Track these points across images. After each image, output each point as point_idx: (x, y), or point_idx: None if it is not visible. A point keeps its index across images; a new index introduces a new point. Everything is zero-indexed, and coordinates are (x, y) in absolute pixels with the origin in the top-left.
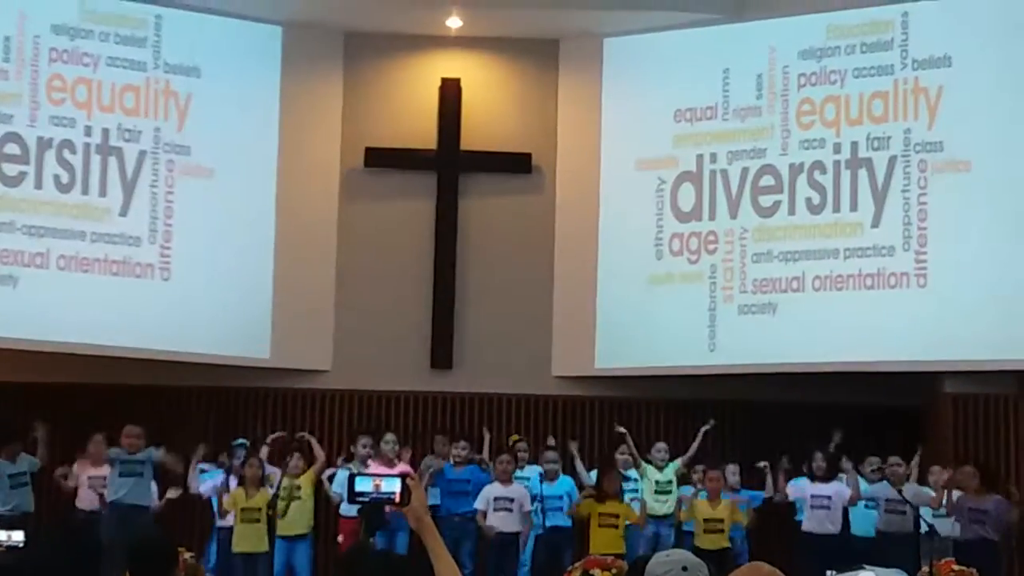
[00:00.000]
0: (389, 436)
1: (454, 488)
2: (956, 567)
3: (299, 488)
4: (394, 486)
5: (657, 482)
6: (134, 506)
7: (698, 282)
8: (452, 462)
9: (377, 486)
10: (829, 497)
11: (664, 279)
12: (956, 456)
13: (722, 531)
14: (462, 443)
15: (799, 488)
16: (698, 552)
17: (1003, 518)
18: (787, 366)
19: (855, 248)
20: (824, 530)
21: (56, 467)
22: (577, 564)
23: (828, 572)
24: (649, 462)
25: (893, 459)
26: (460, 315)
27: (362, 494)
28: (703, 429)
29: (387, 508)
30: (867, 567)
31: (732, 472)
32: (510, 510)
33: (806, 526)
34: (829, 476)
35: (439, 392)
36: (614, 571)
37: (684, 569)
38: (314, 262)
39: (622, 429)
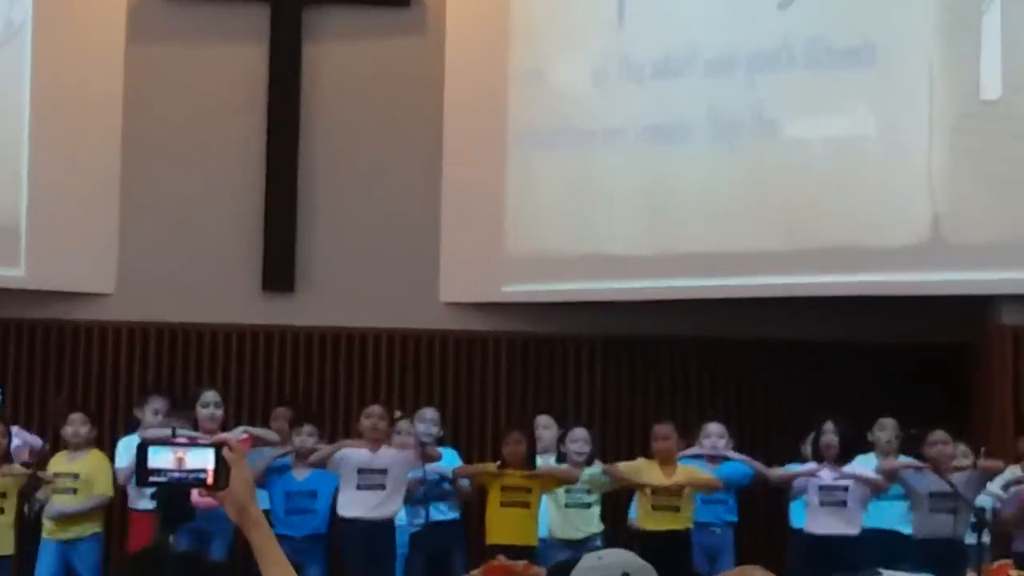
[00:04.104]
0: (209, 395)
1: (296, 504)
2: (1014, 573)
3: (76, 477)
4: (205, 461)
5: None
6: None
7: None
8: (292, 456)
9: (180, 461)
10: (845, 489)
11: (603, 164)
12: (1017, 412)
13: (677, 509)
14: (307, 427)
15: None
16: (644, 536)
17: None
18: (768, 288)
19: None
20: (834, 531)
21: None
22: (476, 572)
23: None
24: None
25: (937, 434)
26: (305, 217)
27: (157, 472)
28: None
29: (195, 493)
30: (884, 572)
31: (715, 434)
32: (382, 486)
33: (810, 527)
34: (844, 457)
35: (274, 325)
36: None
37: None
38: (89, 144)
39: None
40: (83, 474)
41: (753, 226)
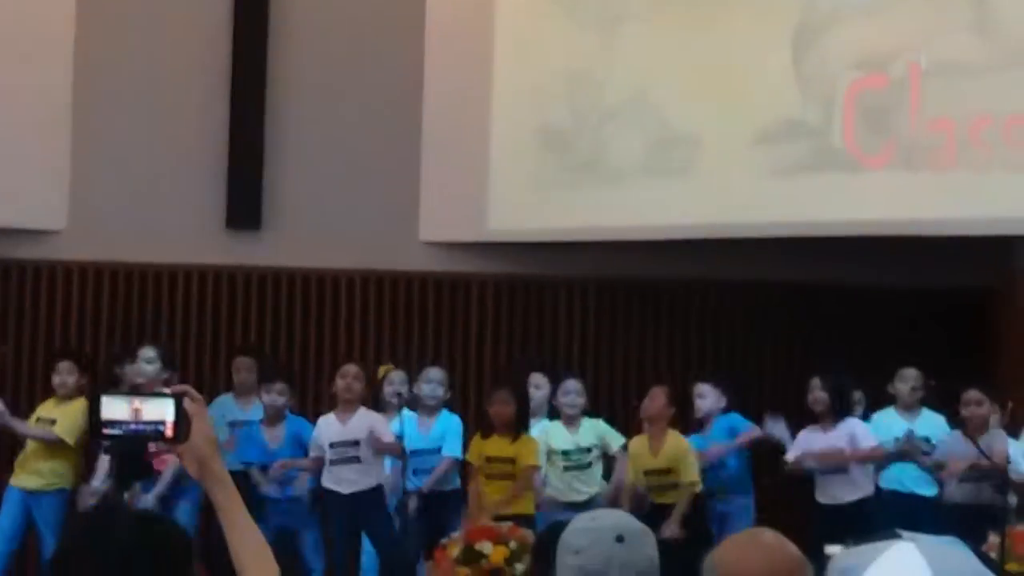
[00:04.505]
0: (148, 351)
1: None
2: None
3: (53, 423)
4: (164, 412)
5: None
6: None
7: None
8: (263, 413)
9: (136, 412)
10: (843, 451)
11: (600, 94)
12: None
13: (675, 486)
14: (278, 385)
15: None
16: (653, 508)
17: None
18: (776, 228)
19: None
20: (840, 500)
21: None
22: (456, 536)
23: (827, 548)
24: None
25: (971, 394)
26: (273, 148)
27: (112, 423)
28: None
29: (153, 446)
30: (904, 533)
31: (704, 394)
32: (357, 459)
33: (818, 496)
34: (834, 416)
35: (239, 266)
36: (513, 544)
37: (619, 539)
38: (38, 68)
39: None
40: (59, 420)
41: (760, 162)
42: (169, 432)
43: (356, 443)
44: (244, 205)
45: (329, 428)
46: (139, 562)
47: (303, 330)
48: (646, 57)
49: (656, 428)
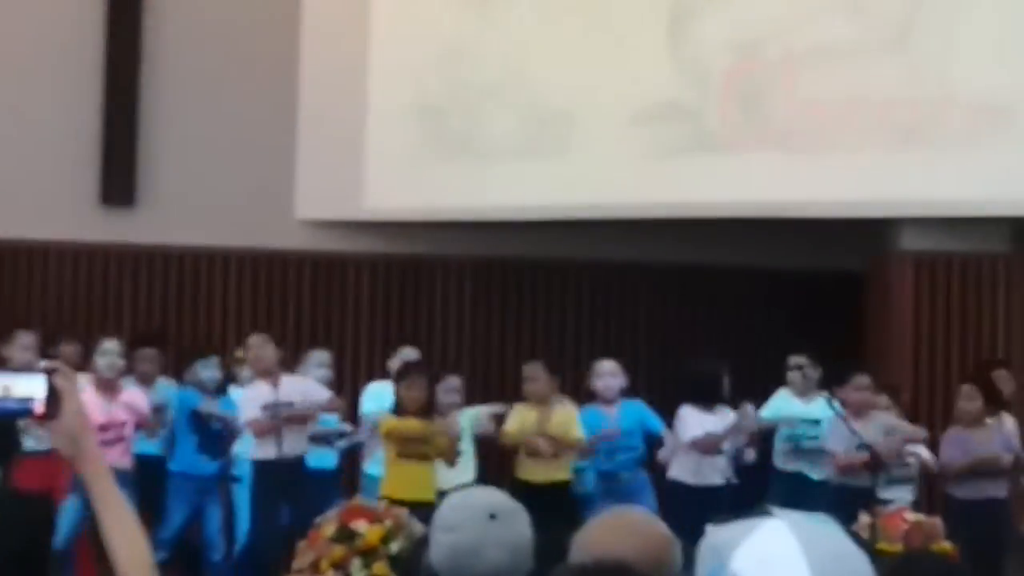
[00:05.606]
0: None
1: (207, 445)
2: (911, 517)
3: None
4: (34, 388)
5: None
6: None
7: None
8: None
9: (6, 389)
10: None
11: (480, 66)
12: (916, 344)
13: (554, 456)
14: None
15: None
16: (523, 487)
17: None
18: (652, 208)
19: None
20: (708, 482)
21: None
22: (331, 515)
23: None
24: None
25: (861, 379)
26: (147, 123)
27: None
28: None
29: (28, 423)
30: (775, 510)
31: (608, 373)
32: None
33: (676, 472)
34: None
35: (112, 243)
36: (388, 524)
37: (492, 517)
38: None
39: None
40: None
41: (637, 143)
42: (40, 409)
43: (290, 404)
44: (118, 181)
45: (256, 393)
46: None
47: (177, 309)
48: (522, 34)
49: (542, 403)
